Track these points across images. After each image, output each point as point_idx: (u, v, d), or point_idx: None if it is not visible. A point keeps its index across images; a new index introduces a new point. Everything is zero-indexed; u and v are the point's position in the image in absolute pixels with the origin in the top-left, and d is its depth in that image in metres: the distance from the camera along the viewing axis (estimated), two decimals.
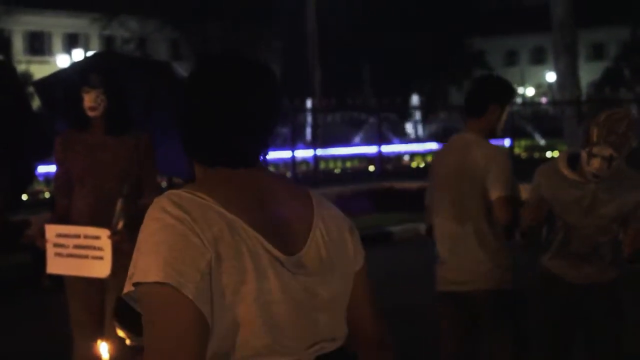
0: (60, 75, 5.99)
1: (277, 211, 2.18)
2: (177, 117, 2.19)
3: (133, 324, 3.78)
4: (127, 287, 2.05)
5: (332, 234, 2.28)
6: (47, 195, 15.42)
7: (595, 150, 4.27)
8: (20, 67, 46.98)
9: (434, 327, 8.00)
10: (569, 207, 4.45)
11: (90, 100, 5.03)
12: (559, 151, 4.88)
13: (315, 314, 2.22)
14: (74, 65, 6.14)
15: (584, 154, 4.34)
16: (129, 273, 2.05)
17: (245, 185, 2.18)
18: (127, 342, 3.82)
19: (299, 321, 2.19)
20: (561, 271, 4.58)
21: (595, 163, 4.29)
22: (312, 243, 2.22)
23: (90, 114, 5.06)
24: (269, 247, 2.12)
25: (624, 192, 4.44)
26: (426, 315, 8.55)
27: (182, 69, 7.50)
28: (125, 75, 5.38)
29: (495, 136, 4.98)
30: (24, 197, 12.95)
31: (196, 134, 2.19)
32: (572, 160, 4.48)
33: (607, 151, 4.25)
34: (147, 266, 2.01)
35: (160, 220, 2.05)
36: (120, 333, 3.84)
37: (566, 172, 4.45)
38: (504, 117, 4.96)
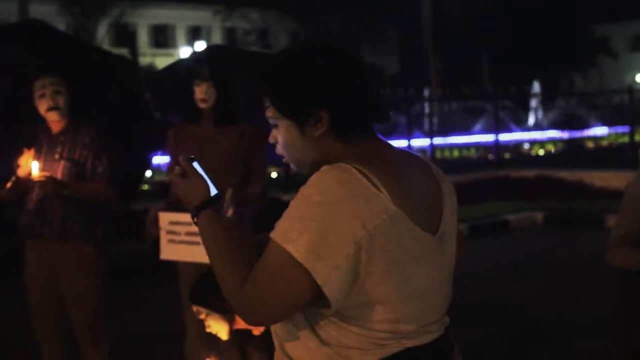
0: (173, 69, 6.18)
1: (419, 189, 2.24)
2: (327, 94, 2.20)
3: (207, 300, 3.95)
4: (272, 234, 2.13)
5: (451, 206, 2.35)
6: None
7: None
8: (145, 60, 48.10)
9: (545, 315, 7.99)
10: None
11: (201, 92, 5.22)
12: None
13: (444, 287, 2.31)
14: (186, 60, 6.33)
15: None
16: (276, 225, 2.12)
17: (395, 161, 2.24)
18: (204, 320, 3.97)
19: (437, 299, 2.27)
20: None
21: None
22: (444, 219, 2.29)
23: (201, 105, 5.25)
24: (422, 234, 2.19)
25: None
26: (537, 303, 8.54)
27: None
28: (234, 67, 5.54)
29: None
30: (145, 187, 13.36)
31: (356, 98, 2.23)
32: None
33: None
34: (289, 234, 2.08)
35: (322, 194, 2.09)
36: (200, 314, 4.00)
37: None
38: None
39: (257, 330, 3.95)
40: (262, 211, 5.32)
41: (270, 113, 2.27)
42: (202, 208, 2.35)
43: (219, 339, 4.06)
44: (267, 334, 3.90)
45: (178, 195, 2.47)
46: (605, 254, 4.22)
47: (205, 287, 3.99)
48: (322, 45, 2.27)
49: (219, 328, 3.98)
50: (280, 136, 2.28)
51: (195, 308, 4.05)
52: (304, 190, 2.12)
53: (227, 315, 3.93)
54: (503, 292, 9.04)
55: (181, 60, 6.52)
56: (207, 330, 4.03)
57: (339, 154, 2.21)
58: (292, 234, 2.07)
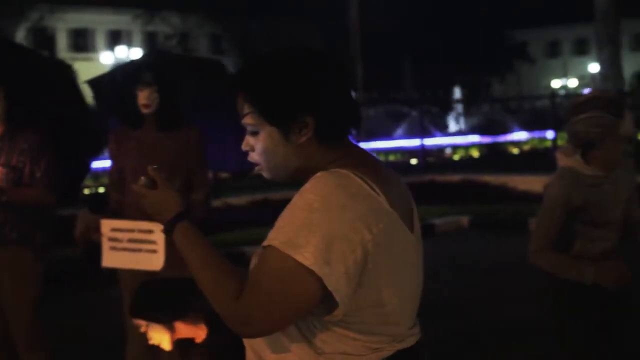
0: (114, 73, 6.12)
1: (398, 191, 2.24)
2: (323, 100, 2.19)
3: (146, 311, 3.92)
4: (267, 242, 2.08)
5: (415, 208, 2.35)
6: (100, 190, 15.43)
7: None
8: None
9: (474, 319, 8.09)
10: (602, 205, 4.15)
11: (144, 97, 5.18)
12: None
13: (420, 288, 2.33)
14: (128, 64, 6.27)
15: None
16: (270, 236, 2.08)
17: (375, 165, 2.24)
18: (146, 332, 3.95)
19: (417, 300, 2.30)
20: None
21: None
22: (415, 219, 2.30)
23: (144, 110, 5.21)
24: (410, 235, 2.21)
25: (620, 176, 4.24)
26: (466, 307, 8.64)
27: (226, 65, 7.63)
28: (176, 72, 5.52)
29: None
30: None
31: (347, 105, 2.24)
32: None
33: None
34: (295, 241, 2.03)
35: (324, 200, 2.06)
36: (140, 327, 3.97)
37: (588, 171, 4.13)
38: None
39: (199, 339, 3.94)
40: (206, 218, 5.31)
41: (250, 120, 2.22)
42: (177, 220, 2.28)
43: (161, 350, 4.03)
44: (209, 341, 3.89)
45: (144, 206, 2.38)
46: (529, 257, 4.24)
47: (143, 299, 3.96)
48: (305, 50, 2.25)
49: (160, 339, 3.95)
50: (260, 143, 2.22)
51: (135, 321, 4.03)
52: (303, 196, 2.09)
53: (167, 325, 3.91)
54: (433, 295, 9.11)
55: (123, 66, 6.47)
56: (150, 342, 4.00)
57: (322, 159, 2.20)
58: (297, 241, 2.03)
